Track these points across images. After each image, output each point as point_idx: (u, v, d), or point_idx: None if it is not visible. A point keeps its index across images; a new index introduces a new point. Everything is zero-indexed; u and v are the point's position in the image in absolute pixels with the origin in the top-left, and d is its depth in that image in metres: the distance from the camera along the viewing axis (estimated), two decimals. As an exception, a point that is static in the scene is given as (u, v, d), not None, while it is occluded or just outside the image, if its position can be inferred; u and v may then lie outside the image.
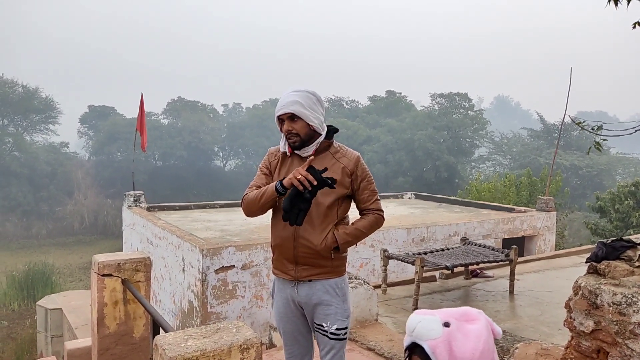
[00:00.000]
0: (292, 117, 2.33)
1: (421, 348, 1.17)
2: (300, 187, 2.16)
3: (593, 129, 3.15)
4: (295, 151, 2.42)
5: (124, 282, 3.46)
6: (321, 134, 2.40)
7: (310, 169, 2.19)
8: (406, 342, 1.22)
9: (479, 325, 1.21)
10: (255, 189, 2.43)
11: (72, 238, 29.32)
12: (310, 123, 2.34)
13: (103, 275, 3.41)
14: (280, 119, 2.39)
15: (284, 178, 2.27)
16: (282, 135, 2.44)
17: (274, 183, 2.30)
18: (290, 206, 2.22)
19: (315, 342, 2.50)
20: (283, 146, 2.46)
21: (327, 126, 2.45)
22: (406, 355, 1.24)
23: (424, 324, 1.17)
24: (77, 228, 30.40)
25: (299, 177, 2.16)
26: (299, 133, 2.34)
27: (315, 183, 2.16)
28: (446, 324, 1.17)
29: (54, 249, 26.45)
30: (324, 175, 2.22)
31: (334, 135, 2.47)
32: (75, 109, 39.67)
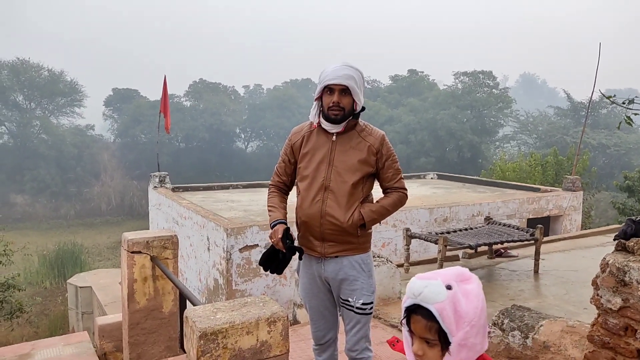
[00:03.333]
0: (345, 90, 2.33)
1: (424, 309, 1.21)
2: (277, 247, 2.38)
3: (624, 103, 3.07)
4: (323, 126, 2.42)
5: (152, 259, 3.55)
6: (354, 112, 2.40)
7: (284, 236, 2.36)
8: (407, 303, 1.27)
9: (475, 284, 1.27)
10: (277, 180, 2.58)
11: (100, 219, 30.06)
12: (357, 101, 2.36)
13: (132, 253, 3.51)
14: (329, 89, 2.35)
15: (278, 221, 2.43)
16: (315, 104, 2.42)
17: (276, 219, 2.45)
18: (267, 261, 2.44)
19: (340, 317, 2.54)
20: (314, 116, 2.44)
21: None
22: (405, 315, 1.28)
23: (431, 288, 1.22)
24: (104, 209, 31.13)
25: (273, 240, 2.38)
26: (344, 108, 2.34)
27: (284, 251, 2.37)
28: (448, 287, 1.22)
29: (82, 229, 27.17)
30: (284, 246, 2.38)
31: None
32: (100, 92, 40.17)
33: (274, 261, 2.42)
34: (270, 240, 2.42)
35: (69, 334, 5.22)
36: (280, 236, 2.35)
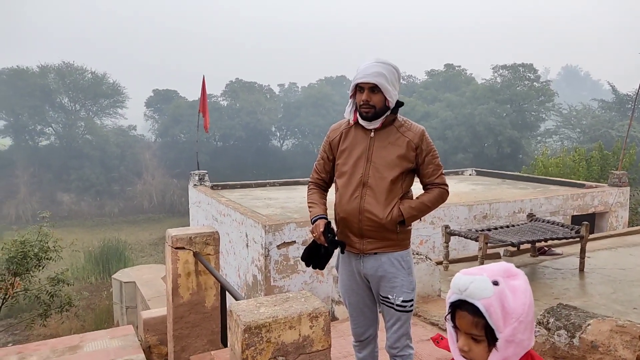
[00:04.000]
0: (374, 88, 2.31)
1: (469, 305, 1.20)
2: (318, 242, 2.39)
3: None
4: (361, 122, 2.41)
5: (195, 254, 3.64)
6: (390, 108, 2.39)
7: (325, 230, 2.36)
8: (452, 299, 1.26)
9: (522, 280, 1.26)
10: (316, 177, 2.60)
11: (142, 216, 30.97)
12: (388, 98, 2.34)
13: (176, 248, 3.61)
14: (360, 87, 2.35)
15: (320, 216, 2.44)
16: (350, 101, 2.43)
17: (317, 214, 2.46)
18: (309, 256, 2.46)
19: (380, 314, 2.53)
20: (349, 113, 2.45)
21: None
22: (449, 311, 1.27)
23: (477, 284, 1.21)
24: (146, 206, 32.06)
25: (315, 234, 2.37)
26: (375, 105, 2.33)
27: (325, 245, 2.37)
28: (495, 282, 1.20)
29: (126, 226, 28.06)
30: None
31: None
32: (141, 94, 41.29)
33: (315, 256, 2.44)
34: (311, 235, 2.43)
35: (114, 328, 5.41)
36: (322, 230, 2.36)
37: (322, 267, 2.47)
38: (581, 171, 15.79)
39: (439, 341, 1.63)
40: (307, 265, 2.48)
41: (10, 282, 6.95)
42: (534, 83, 32.87)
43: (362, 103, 2.33)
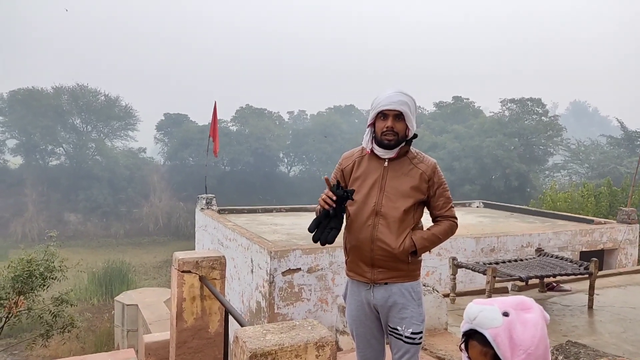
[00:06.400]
0: (399, 115, 2.35)
1: (480, 334, 1.22)
2: (326, 207, 2.28)
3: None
4: (376, 151, 2.44)
5: (201, 278, 3.63)
6: (407, 138, 2.42)
7: (334, 186, 2.29)
8: (464, 328, 1.28)
9: (535, 313, 1.27)
10: None
11: (147, 238, 30.96)
12: (410, 127, 2.38)
13: (183, 272, 3.60)
14: (383, 114, 2.37)
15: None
16: (368, 130, 2.45)
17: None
18: (316, 226, 2.33)
19: (387, 346, 2.50)
20: (367, 142, 2.47)
21: None
22: (463, 340, 1.29)
23: (486, 314, 1.22)
24: (152, 229, 32.08)
25: (321, 198, 2.30)
26: (398, 133, 2.37)
27: (334, 198, 2.26)
28: (505, 314, 1.23)
29: (131, 248, 28.03)
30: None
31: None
32: (153, 117, 41.86)
33: (324, 224, 2.32)
34: (319, 205, 2.33)
35: (115, 351, 5.36)
36: (330, 187, 2.29)
37: (330, 241, 2.33)
38: (590, 207, 15.68)
39: None
40: (315, 239, 2.34)
41: (14, 300, 6.93)
42: (542, 117, 33.02)
43: (385, 130, 2.36)
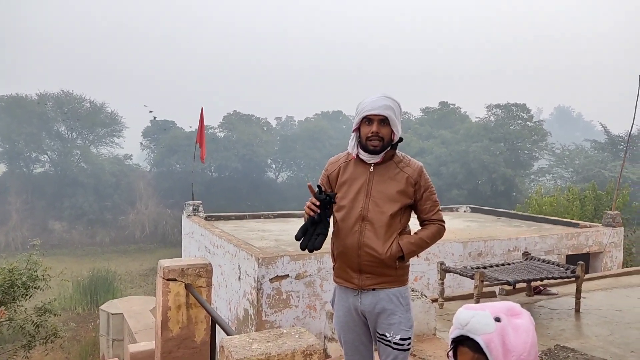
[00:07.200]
0: (384, 120, 2.34)
1: (471, 341, 1.20)
2: (311, 213, 2.28)
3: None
4: (361, 156, 2.42)
5: (187, 286, 3.57)
6: (392, 143, 2.41)
7: (317, 193, 2.30)
8: (454, 334, 1.25)
9: (525, 319, 1.27)
10: None
11: (134, 246, 30.62)
12: (395, 131, 2.37)
13: (168, 280, 3.54)
14: (368, 119, 2.36)
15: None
16: (353, 135, 2.44)
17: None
18: (303, 233, 2.33)
19: (376, 353, 2.48)
20: (352, 147, 2.45)
21: None
22: (452, 346, 1.26)
23: (478, 319, 1.21)
24: (138, 236, 31.74)
25: (306, 205, 2.31)
26: (384, 138, 2.35)
27: (317, 203, 2.27)
28: (497, 319, 1.21)
29: (116, 256, 27.69)
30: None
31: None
32: (139, 122, 41.52)
33: (310, 231, 2.31)
34: (305, 213, 2.34)
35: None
36: (313, 193, 2.29)
37: (318, 247, 2.32)
38: (575, 210, 15.85)
39: None
40: (303, 247, 2.33)
41: (-5, 311, 6.78)
42: (527, 122, 33.42)
43: (370, 135, 2.35)
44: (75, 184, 33.17)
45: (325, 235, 2.32)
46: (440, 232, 2.44)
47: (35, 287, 7.15)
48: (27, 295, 7.07)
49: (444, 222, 2.46)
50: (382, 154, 2.38)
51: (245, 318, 7.25)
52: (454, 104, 39.55)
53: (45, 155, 36.20)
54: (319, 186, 2.33)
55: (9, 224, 30.47)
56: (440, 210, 2.47)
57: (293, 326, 6.90)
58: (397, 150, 2.45)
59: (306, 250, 2.32)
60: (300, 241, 2.33)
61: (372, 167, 2.40)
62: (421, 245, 2.38)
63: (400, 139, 2.42)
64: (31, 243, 7.94)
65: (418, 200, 2.40)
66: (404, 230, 2.41)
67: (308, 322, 7.05)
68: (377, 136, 2.34)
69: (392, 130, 2.36)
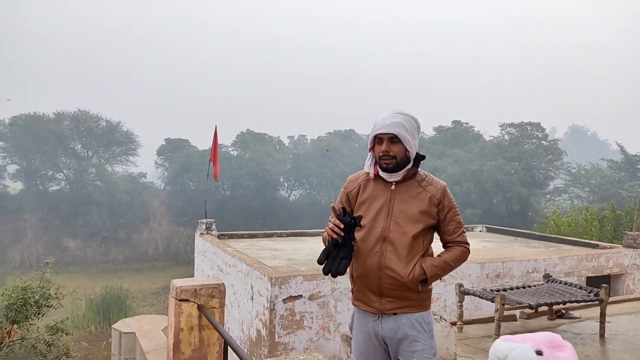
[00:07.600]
0: (393, 138, 2.27)
1: None
2: (334, 236, 2.17)
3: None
4: (381, 174, 2.34)
5: (199, 307, 3.49)
6: (411, 161, 2.32)
7: (340, 215, 2.19)
8: None
9: (569, 352, 1.16)
10: None
11: (147, 264, 30.68)
12: (408, 148, 2.28)
13: (180, 300, 3.46)
14: (379, 138, 2.31)
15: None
16: (370, 155, 2.38)
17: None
18: (325, 257, 2.21)
19: (396, 380, 2.36)
20: (369, 166, 2.39)
21: None
22: None
23: (518, 352, 1.11)
24: (151, 254, 31.81)
25: (328, 227, 2.20)
26: (396, 156, 2.28)
27: (342, 226, 2.16)
28: (539, 352, 1.11)
29: (129, 274, 27.73)
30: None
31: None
32: (153, 141, 42.00)
33: (334, 254, 2.21)
34: (326, 236, 2.23)
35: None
36: (337, 214, 2.19)
37: (342, 272, 2.20)
38: (594, 231, 15.54)
39: None
40: (325, 271, 2.22)
41: (7, 330, 6.74)
42: (542, 141, 33.15)
43: (381, 154, 2.28)
44: (90, 202, 33.48)
45: (349, 259, 2.22)
46: (464, 255, 2.34)
47: (47, 306, 7.11)
48: (39, 313, 7.03)
49: (468, 244, 2.37)
50: (402, 172, 2.31)
51: (257, 339, 7.11)
52: (467, 123, 39.42)
53: (61, 174, 36.69)
54: (343, 208, 2.24)
55: (24, 241, 30.75)
56: (464, 232, 2.38)
57: (306, 349, 6.76)
58: (419, 169, 2.37)
59: (329, 274, 2.22)
60: (323, 265, 2.23)
61: (393, 186, 2.32)
62: (445, 268, 2.28)
63: (423, 157, 2.34)
64: (45, 261, 7.93)
65: (442, 221, 2.31)
66: (427, 252, 2.32)
67: (322, 344, 6.89)
68: (388, 155, 2.27)
69: (405, 148, 2.28)
